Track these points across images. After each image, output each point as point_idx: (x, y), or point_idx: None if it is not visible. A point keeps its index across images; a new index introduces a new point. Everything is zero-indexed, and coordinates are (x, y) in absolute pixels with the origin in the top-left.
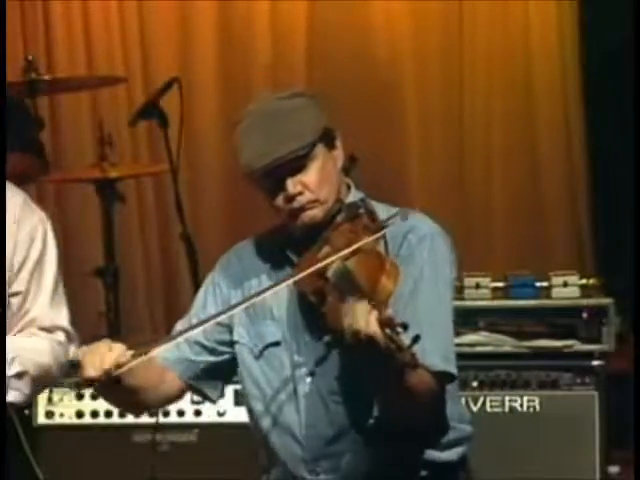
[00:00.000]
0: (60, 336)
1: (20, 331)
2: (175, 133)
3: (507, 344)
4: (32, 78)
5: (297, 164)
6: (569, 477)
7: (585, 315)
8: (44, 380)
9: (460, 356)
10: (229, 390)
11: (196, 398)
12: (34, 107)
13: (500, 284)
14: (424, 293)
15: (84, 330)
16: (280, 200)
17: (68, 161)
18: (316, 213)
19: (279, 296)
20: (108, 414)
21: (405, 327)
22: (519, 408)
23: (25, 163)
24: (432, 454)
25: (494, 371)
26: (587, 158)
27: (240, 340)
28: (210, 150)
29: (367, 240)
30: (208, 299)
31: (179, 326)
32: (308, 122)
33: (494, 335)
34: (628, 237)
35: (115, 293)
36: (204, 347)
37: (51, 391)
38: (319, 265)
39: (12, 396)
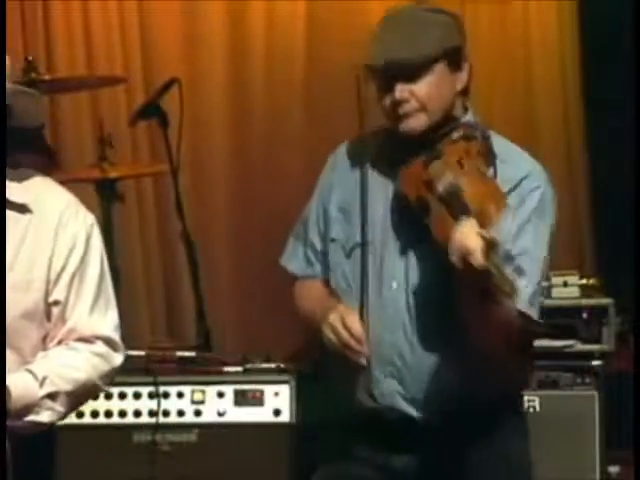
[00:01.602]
0: (100, 347)
1: (59, 342)
2: (175, 133)
3: None
4: (32, 78)
5: (411, 73)
6: (569, 476)
7: (585, 315)
8: (83, 394)
9: None
10: (229, 390)
11: (196, 398)
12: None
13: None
14: (527, 239)
15: None
16: (387, 101)
17: (68, 161)
18: (419, 122)
19: (376, 197)
20: (108, 414)
21: (508, 257)
22: None
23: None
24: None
25: None
26: (587, 157)
27: (336, 237)
28: (212, 150)
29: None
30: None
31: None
32: (437, 37)
33: None
34: (628, 237)
35: (115, 292)
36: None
37: None
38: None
39: (46, 416)
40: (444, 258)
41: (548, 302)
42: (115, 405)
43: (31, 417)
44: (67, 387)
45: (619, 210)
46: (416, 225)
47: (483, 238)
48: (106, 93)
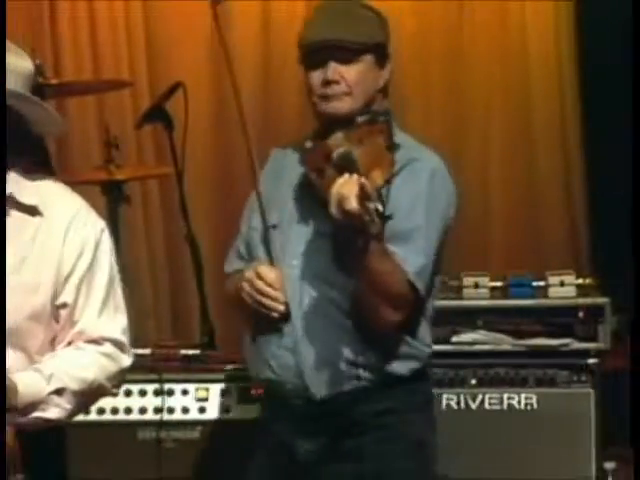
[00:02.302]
0: (108, 348)
1: (68, 343)
2: (180, 136)
3: (505, 342)
4: (39, 82)
5: (345, 56)
6: (565, 473)
7: (581, 314)
8: (91, 393)
9: (459, 354)
10: (233, 387)
11: (200, 395)
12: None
13: (498, 284)
14: (419, 216)
15: None
16: (317, 80)
17: (75, 163)
18: (343, 105)
19: (288, 184)
20: (114, 411)
21: (383, 205)
22: (517, 405)
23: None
24: (383, 364)
25: (493, 369)
26: (584, 157)
27: (253, 225)
28: (210, 152)
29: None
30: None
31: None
32: (370, 29)
33: (492, 334)
34: (624, 237)
35: (121, 294)
36: None
37: None
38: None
39: (53, 413)
40: (333, 232)
41: (545, 301)
42: (121, 402)
43: (38, 414)
44: (74, 385)
45: (616, 210)
46: (314, 203)
47: (358, 185)
48: (112, 97)
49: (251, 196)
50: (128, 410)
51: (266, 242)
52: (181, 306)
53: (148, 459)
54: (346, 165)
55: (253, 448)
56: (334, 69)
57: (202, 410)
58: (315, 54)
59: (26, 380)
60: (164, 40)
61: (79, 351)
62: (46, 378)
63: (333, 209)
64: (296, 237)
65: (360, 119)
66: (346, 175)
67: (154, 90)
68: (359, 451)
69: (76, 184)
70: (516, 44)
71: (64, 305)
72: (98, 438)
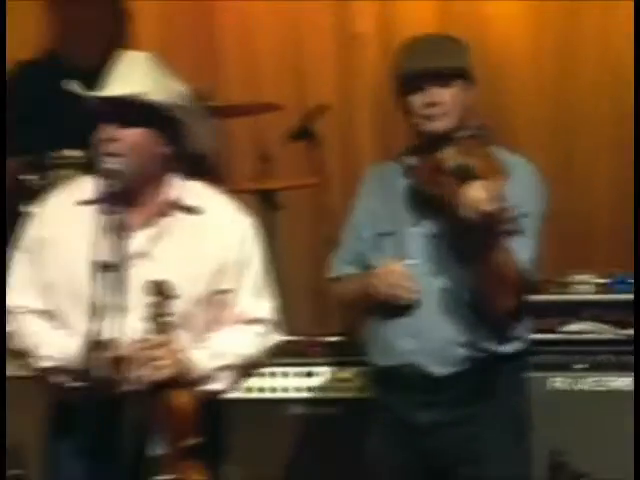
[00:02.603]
0: (263, 327)
1: (227, 325)
2: (325, 151)
3: (608, 332)
4: (205, 105)
5: (442, 81)
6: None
7: None
8: (249, 367)
9: (567, 342)
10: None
11: (340, 377)
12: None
13: (603, 280)
14: (526, 210)
15: None
16: (419, 102)
17: (235, 175)
18: (443, 124)
19: (393, 198)
20: (272, 390)
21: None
22: (617, 388)
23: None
24: (493, 346)
25: (597, 355)
26: None
27: (362, 236)
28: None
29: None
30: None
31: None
32: (459, 57)
33: (597, 324)
34: None
35: (275, 288)
36: None
37: None
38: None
39: (219, 385)
40: (449, 233)
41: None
42: (277, 382)
43: (206, 386)
44: (236, 361)
45: None
46: (424, 209)
47: (489, 189)
48: (267, 117)
49: (354, 212)
50: (284, 389)
51: (380, 248)
52: (325, 300)
53: (297, 431)
54: (466, 174)
55: (371, 422)
56: (434, 93)
57: (344, 390)
58: (416, 81)
59: (198, 356)
60: (315, 66)
61: (239, 331)
62: (215, 355)
63: (468, 212)
64: (411, 240)
65: (461, 134)
66: (476, 182)
67: (302, 110)
68: (470, 418)
69: (235, 192)
70: (625, 51)
71: (224, 291)
72: (257, 412)
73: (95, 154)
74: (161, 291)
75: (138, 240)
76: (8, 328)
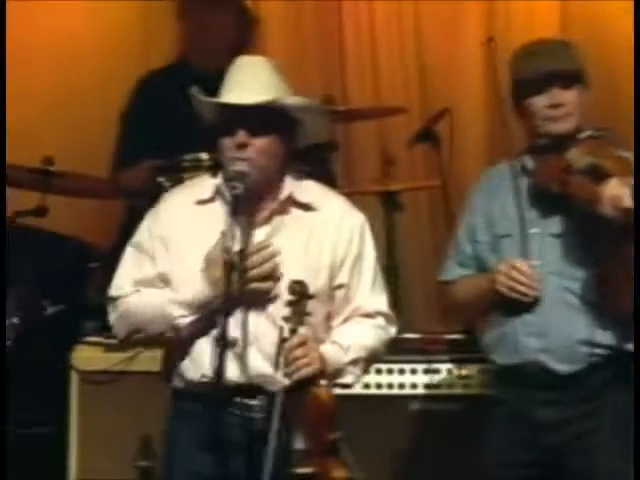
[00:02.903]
0: (380, 320)
1: (346, 319)
2: (446, 154)
3: None
4: (329, 109)
5: (567, 83)
6: None
7: None
8: (372, 360)
9: None
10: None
11: (463, 374)
12: (331, 133)
13: None
14: None
15: None
16: (543, 103)
17: (357, 176)
18: (567, 125)
19: (510, 200)
20: (390, 386)
21: None
22: None
23: None
24: (616, 343)
25: None
26: None
27: (478, 239)
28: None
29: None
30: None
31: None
32: (576, 59)
33: None
34: None
35: (395, 288)
36: None
37: None
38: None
39: (349, 378)
40: (577, 232)
41: None
42: (395, 379)
43: (338, 380)
44: (363, 354)
45: None
46: (544, 209)
47: (626, 187)
48: (390, 120)
49: (467, 215)
50: (401, 386)
51: (499, 251)
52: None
53: (418, 428)
54: (600, 173)
55: (490, 419)
56: (558, 94)
57: (465, 386)
58: (538, 83)
59: (330, 352)
60: (434, 68)
61: (359, 324)
62: (345, 350)
63: (608, 209)
64: (533, 241)
65: (584, 135)
66: (612, 180)
67: (425, 114)
68: (590, 414)
69: (358, 194)
70: None
71: (340, 286)
72: (377, 408)
73: (224, 157)
74: (301, 290)
75: (258, 237)
76: (116, 314)
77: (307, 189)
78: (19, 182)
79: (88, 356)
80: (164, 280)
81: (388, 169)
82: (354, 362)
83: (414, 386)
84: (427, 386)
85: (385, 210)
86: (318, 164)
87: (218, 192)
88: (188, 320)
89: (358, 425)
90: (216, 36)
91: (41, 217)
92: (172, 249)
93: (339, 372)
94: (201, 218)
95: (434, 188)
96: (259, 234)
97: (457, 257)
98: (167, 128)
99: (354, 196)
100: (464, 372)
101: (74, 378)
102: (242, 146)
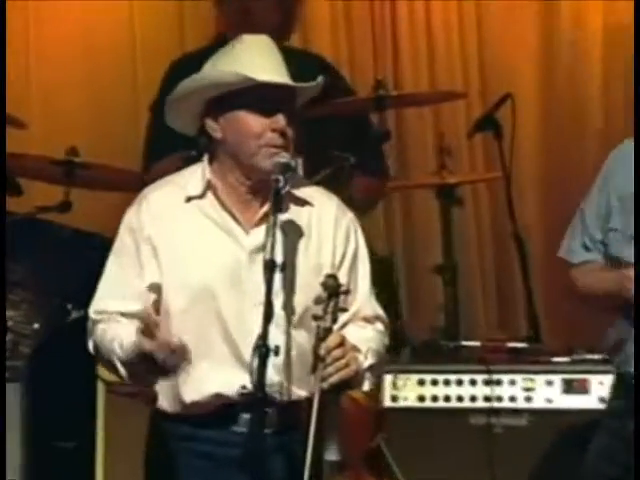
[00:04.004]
0: (380, 325)
1: (345, 323)
2: (508, 143)
3: None
4: (381, 94)
5: None
6: None
7: None
8: (381, 366)
9: None
10: (557, 378)
11: (527, 385)
12: (382, 120)
13: None
14: None
15: (424, 322)
16: None
17: (411, 168)
18: None
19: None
20: (447, 399)
21: None
22: None
23: (373, 187)
24: None
25: None
26: None
27: (614, 227)
28: (535, 159)
29: None
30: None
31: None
32: None
33: None
34: None
35: (453, 288)
36: None
37: (395, 377)
38: None
39: (366, 385)
40: None
41: None
42: (453, 391)
43: (358, 385)
44: (376, 360)
45: None
46: None
47: None
48: (447, 106)
49: (598, 195)
50: (460, 398)
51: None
52: (508, 301)
53: (479, 443)
54: None
55: (594, 432)
56: None
57: (528, 399)
58: None
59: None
60: (495, 53)
61: (364, 329)
62: (364, 355)
63: None
64: None
65: None
66: None
67: (486, 100)
68: None
69: (412, 188)
70: None
71: (348, 292)
72: (433, 422)
73: (251, 144)
74: (336, 285)
75: (256, 236)
76: (91, 341)
77: (297, 182)
78: (41, 174)
79: None
80: (156, 291)
81: (445, 160)
82: (371, 368)
83: (473, 399)
84: (488, 399)
85: (441, 205)
86: (368, 155)
87: (209, 187)
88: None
89: (411, 442)
90: (259, 18)
91: (64, 212)
92: (162, 256)
93: (359, 378)
94: (192, 218)
95: (495, 181)
96: (256, 234)
97: (583, 239)
98: None
99: (407, 190)
100: (528, 384)
101: (100, 389)
102: (282, 132)
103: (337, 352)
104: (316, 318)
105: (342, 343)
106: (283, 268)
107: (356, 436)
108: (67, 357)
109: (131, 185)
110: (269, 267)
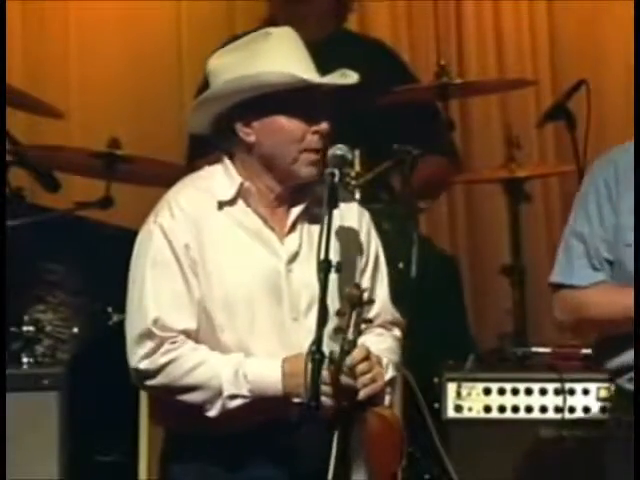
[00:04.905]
0: (397, 332)
1: (369, 329)
2: (582, 134)
3: None
4: (444, 82)
5: None
6: None
7: None
8: (396, 379)
9: None
10: None
11: (602, 395)
12: (445, 110)
13: None
14: None
15: (491, 326)
16: None
17: (477, 162)
18: None
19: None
20: (515, 409)
21: None
22: None
23: (443, 169)
24: None
25: None
26: None
27: (628, 240)
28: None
29: None
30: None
31: None
32: None
33: None
34: None
35: (521, 291)
36: None
37: (459, 386)
38: None
39: (386, 400)
40: None
41: None
42: (522, 400)
43: (378, 400)
44: (394, 372)
45: None
46: None
47: None
48: (515, 95)
49: (598, 206)
50: (529, 408)
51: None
52: None
53: (550, 457)
54: None
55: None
56: None
57: (604, 410)
58: None
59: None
60: (568, 38)
61: (381, 337)
62: (385, 369)
63: None
64: None
65: None
66: None
67: (557, 88)
68: None
69: (478, 182)
70: None
71: (372, 302)
72: (501, 435)
73: (292, 148)
74: (360, 295)
75: (290, 243)
76: (163, 360)
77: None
78: (81, 168)
79: None
80: (200, 306)
81: (513, 152)
82: (391, 382)
83: (544, 409)
84: (559, 409)
85: (510, 201)
86: (437, 139)
87: (241, 192)
88: (237, 403)
89: (475, 455)
90: (313, 5)
91: (106, 209)
92: (200, 269)
93: (381, 393)
94: (226, 227)
95: (567, 174)
96: (290, 242)
97: (589, 259)
98: None
99: (472, 185)
100: (603, 393)
101: (143, 397)
102: (324, 134)
103: (363, 366)
104: (339, 331)
105: (368, 357)
106: (338, 269)
107: (384, 457)
108: (108, 363)
109: (176, 180)
110: (323, 268)
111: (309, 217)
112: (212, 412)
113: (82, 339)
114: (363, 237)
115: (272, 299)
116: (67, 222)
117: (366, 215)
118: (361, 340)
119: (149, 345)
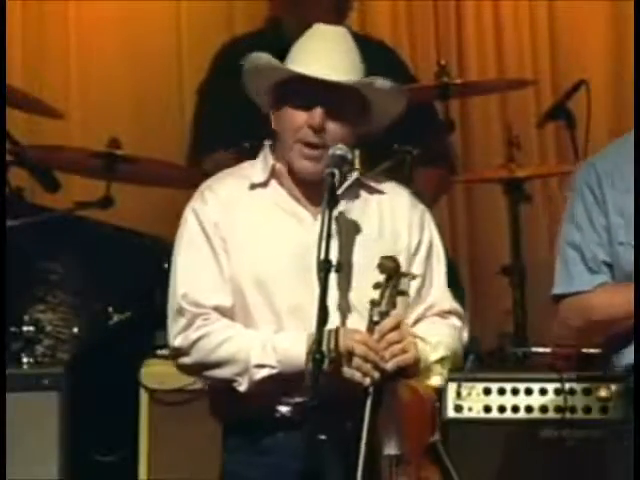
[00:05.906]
0: (455, 320)
1: (418, 319)
2: (582, 134)
3: None
4: (444, 82)
5: None
6: None
7: None
8: (455, 363)
9: None
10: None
11: (602, 394)
12: (445, 110)
13: None
14: None
15: (491, 327)
16: None
17: (477, 161)
18: None
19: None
20: (515, 409)
21: None
22: None
23: (437, 178)
24: None
25: None
26: None
27: (622, 240)
28: None
29: None
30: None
31: None
32: None
33: None
34: None
35: (521, 291)
36: None
37: (459, 386)
38: None
39: (435, 380)
40: None
41: None
42: (522, 400)
43: (426, 380)
44: (448, 354)
45: None
46: None
47: None
48: (515, 95)
49: (588, 218)
50: (529, 409)
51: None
52: None
53: (550, 457)
54: None
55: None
56: None
57: (604, 410)
58: None
59: (418, 346)
60: (568, 39)
61: (434, 324)
62: (433, 346)
63: None
64: None
65: None
66: None
67: (557, 88)
68: None
69: (477, 182)
70: None
71: (414, 277)
72: (501, 435)
73: (288, 138)
74: (394, 267)
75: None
76: (195, 336)
77: (366, 176)
78: (81, 168)
79: (160, 372)
80: (232, 284)
81: (513, 152)
82: (442, 361)
83: (544, 409)
84: (560, 409)
85: (510, 201)
86: (434, 144)
87: (273, 173)
88: (264, 374)
89: (475, 456)
90: (315, 6)
91: (106, 209)
92: (231, 246)
93: (426, 371)
94: (258, 205)
95: (568, 174)
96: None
97: (586, 264)
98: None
99: (472, 185)
100: (604, 393)
101: (143, 397)
102: (319, 129)
103: (392, 335)
104: (373, 303)
105: (398, 326)
106: (338, 269)
107: (416, 429)
108: (108, 363)
109: (177, 180)
110: (323, 268)
111: (352, 198)
112: (242, 386)
113: (82, 339)
114: (414, 223)
115: (302, 274)
116: (67, 222)
117: (419, 206)
118: (415, 327)
119: (182, 322)
